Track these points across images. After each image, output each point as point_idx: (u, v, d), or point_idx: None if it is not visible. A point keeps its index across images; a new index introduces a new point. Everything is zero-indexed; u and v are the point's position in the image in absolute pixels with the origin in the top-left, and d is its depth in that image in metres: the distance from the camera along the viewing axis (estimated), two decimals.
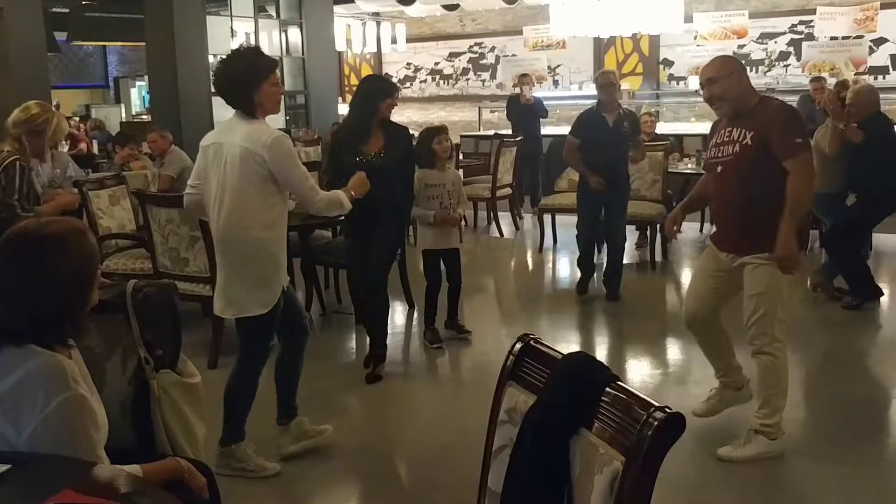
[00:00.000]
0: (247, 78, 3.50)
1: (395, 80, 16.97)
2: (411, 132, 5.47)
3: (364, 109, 4.84)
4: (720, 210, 3.95)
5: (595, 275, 6.94)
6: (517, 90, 11.12)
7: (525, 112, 10.89)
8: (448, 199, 5.39)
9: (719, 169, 3.89)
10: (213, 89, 10.95)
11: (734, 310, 4.00)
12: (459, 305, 5.74)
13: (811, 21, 12.67)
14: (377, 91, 4.86)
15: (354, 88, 5.54)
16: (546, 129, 13.73)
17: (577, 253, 6.91)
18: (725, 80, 3.81)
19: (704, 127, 11.70)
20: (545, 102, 11.32)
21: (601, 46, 14.49)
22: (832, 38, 12.56)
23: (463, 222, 5.79)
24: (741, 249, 3.82)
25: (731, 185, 3.82)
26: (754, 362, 3.89)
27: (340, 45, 14.21)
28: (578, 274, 6.91)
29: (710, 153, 4.02)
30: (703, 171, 8.44)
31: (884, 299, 6.34)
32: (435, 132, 5.43)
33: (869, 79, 11.92)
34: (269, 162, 3.48)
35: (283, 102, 11.85)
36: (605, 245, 6.90)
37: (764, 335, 3.81)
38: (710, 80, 3.85)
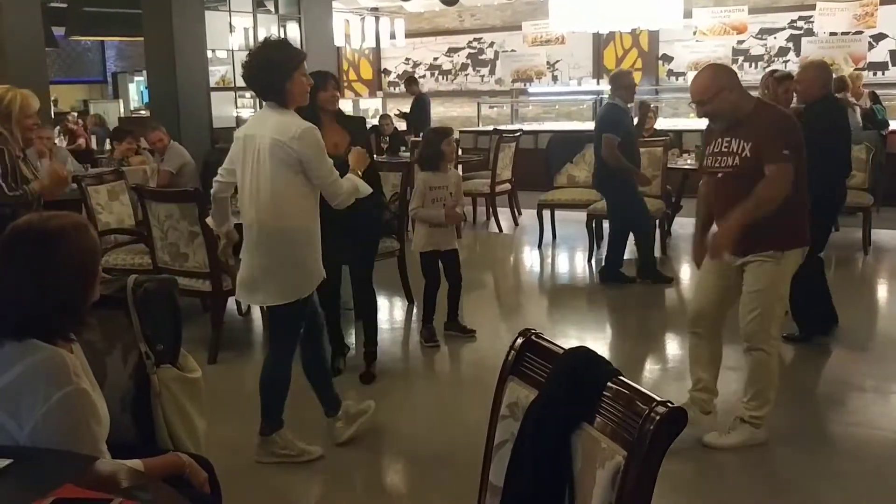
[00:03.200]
0: (279, 68, 3.53)
1: (393, 75, 17.03)
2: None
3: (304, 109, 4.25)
4: (722, 213, 3.88)
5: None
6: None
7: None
8: (450, 200, 5.38)
9: (720, 175, 3.89)
10: (212, 85, 10.89)
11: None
12: (460, 304, 5.72)
13: (811, 17, 12.68)
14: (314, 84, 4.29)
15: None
16: (545, 125, 13.75)
17: (577, 248, 6.98)
18: (715, 101, 3.78)
19: (703, 123, 11.70)
20: (543, 98, 11.36)
21: (600, 42, 14.48)
22: (832, 34, 12.56)
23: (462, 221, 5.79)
24: (744, 249, 3.80)
25: (732, 191, 3.78)
26: (747, 358, 3.91)
27: (339, 41, 14.19)
28: (578, 268, 6.98)
29: (709, 161, 3.98)
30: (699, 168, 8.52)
31: (882, 301, 6.29)
32: (444, 134, 5.41)
33: (868, 74, 11.93)
34: (298, 153, 3.51)
35: None
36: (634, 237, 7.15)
37: (761, 332, 3.82)
38: (700, 102, 3.83)
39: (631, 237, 7.07)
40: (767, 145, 3.69)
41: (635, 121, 6.82)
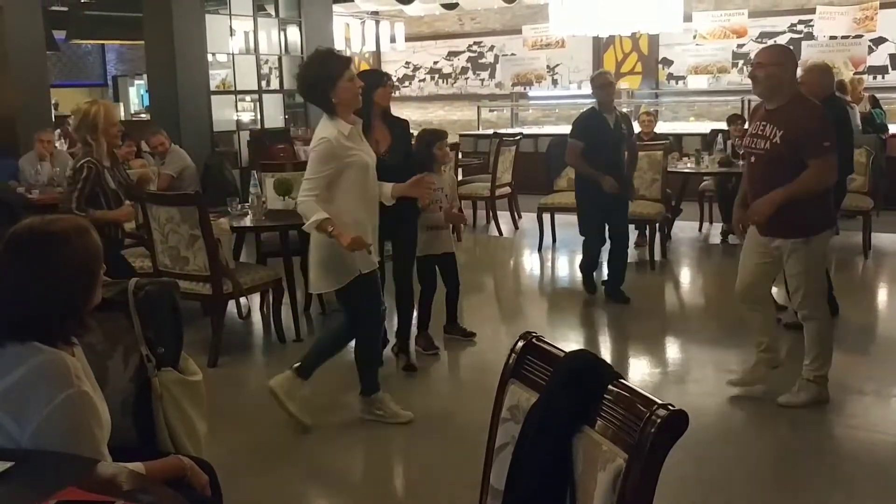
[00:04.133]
0: (322, 80, 3.84)
1: (394, 78, 17.05)
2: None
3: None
4: (755, 196, 4.26)
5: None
6: None
7: None
8: (446, 202, 5.37)
9: (752, 159, 4.32)
10: (212, 88, 10.91)
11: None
12: (459, 307, 5.70)
13: (811, 20, 12.69)
14: (367, 82, 4.55)
15: None
16: (545, 129, 13.78)
17: (577, 252, 6.89)
18: (769, 69, 4.17)
19: (703, 126, 11.74)
20: (543, 101, 11.35)
21: (600, 46, 14.50)
22: (832, 38, 12.57)
23: (462, 224, 5.78)
24: (775, 232, 4.26)
25: (763, 175, 4.24)
26: (805, 327, 4.42)
27: (339, 44, 14.20)
28: (577, 272, 6.90)
29: (746, 142, 4.43)
30: (700, 171, 8.55)
31: (883, 305, 6.29)
32: (436, 137, 5.35)
33: (868, 78, 11.95)
34: None
35: (281, 101, 11.93)
36: (610, 247, 6.70)
37: (808, 306, 4.34)
38: (759, 63, 4.22)
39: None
40: (809, 139, 4.09)
41: (623, 127, 6.48)
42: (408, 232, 5.10)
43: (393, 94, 4.99)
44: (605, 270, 6.78)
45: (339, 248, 3.88)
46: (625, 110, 8.59)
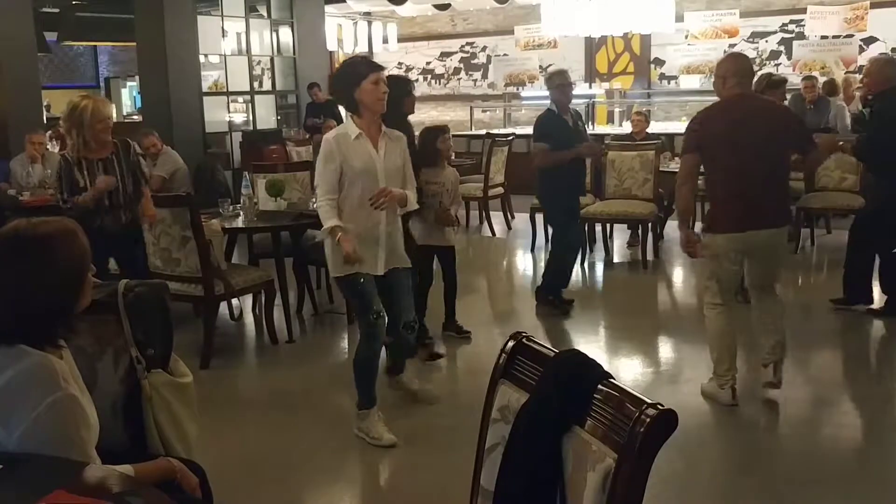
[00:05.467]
0: (347, 81, 3.97)
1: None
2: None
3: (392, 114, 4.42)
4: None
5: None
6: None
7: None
8: (448, 199, 5.39)
9: None
10: (204, 90, 10.88)
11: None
12: (456, 304, 5.72)
13: (802, 20, 12.71)
14: (394, 91, 4.36)
15: None
16: None
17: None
18: (714, 81, 4.42)
19: None
20: (536, 102, 11.34)
21: (592, 46, 14.50)
22: (823, 37, 12.60)
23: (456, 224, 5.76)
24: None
25: None
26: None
27: (331, 45, 14.19)
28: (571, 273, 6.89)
29: None
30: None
31: (877, 303, 6.29)
32: (439, 131, 5.52)
33: (859, 78, 11.96)
34: None
35: (273, 102, 11.92)
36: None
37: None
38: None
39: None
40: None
41: (580, 123, 6.34)
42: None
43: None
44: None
45: (332, 245, 4.01)
46: (617, 110, 8.52)
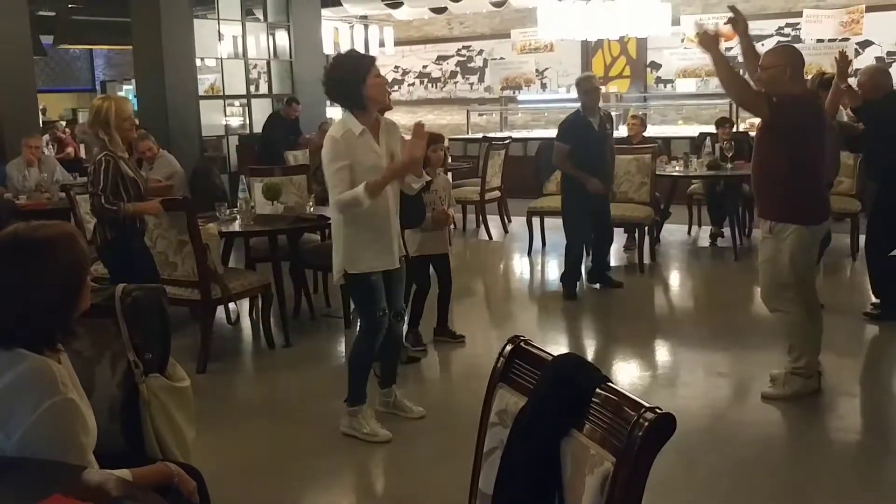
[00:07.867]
0: (353, 77, 3.88)
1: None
2: None
3: None
4: None
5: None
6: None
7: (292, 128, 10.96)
8: (441, 205, 5.38)
9: None
10: (200, 93, 10.85)
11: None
12: (449, 309, 5.72)
13: (798, 24, 12.75)
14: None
15: None
16: (534, 132, 13.78)
17: (564, 255, 6.94)
18: (770, 70, 4.36)
19: (692, 129, 11.75)
20: (532, 105, 11.36)
21: (589, 49, 14.53)
22: (818, 41, 12.62)
23: (451, 225, 5.77)
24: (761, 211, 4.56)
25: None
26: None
27: (328, 49, 14.19)
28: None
29: None
30: (688, 175, 8.61)
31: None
32: (431, 140, 5.39)
33: (854, 81, 11.98)
34: None
35: (270, 105, 11.90)
36: (594, 238, 7.10)
37: (767, 298, 4.52)
38: (761, 66, 4.44)
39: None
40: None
41: (607, 127, 6.68)
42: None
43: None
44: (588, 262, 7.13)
45: (346, 242, 3.98)
46: (613, 113, 8.66)
